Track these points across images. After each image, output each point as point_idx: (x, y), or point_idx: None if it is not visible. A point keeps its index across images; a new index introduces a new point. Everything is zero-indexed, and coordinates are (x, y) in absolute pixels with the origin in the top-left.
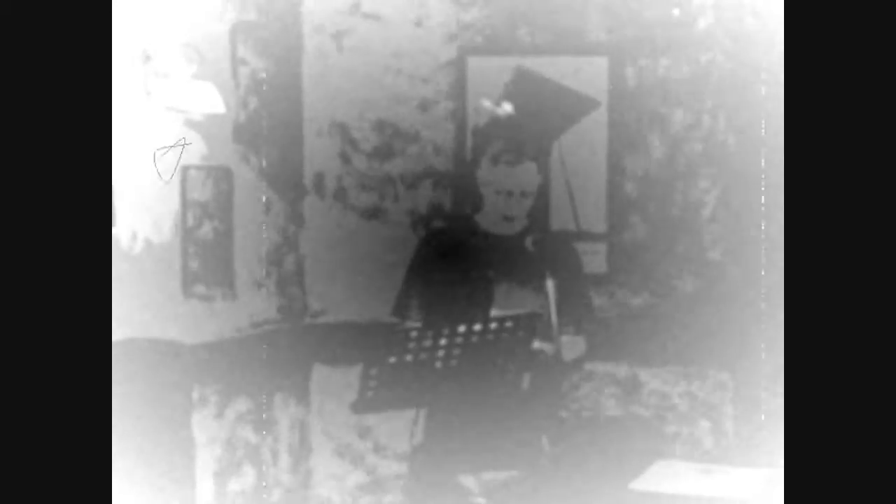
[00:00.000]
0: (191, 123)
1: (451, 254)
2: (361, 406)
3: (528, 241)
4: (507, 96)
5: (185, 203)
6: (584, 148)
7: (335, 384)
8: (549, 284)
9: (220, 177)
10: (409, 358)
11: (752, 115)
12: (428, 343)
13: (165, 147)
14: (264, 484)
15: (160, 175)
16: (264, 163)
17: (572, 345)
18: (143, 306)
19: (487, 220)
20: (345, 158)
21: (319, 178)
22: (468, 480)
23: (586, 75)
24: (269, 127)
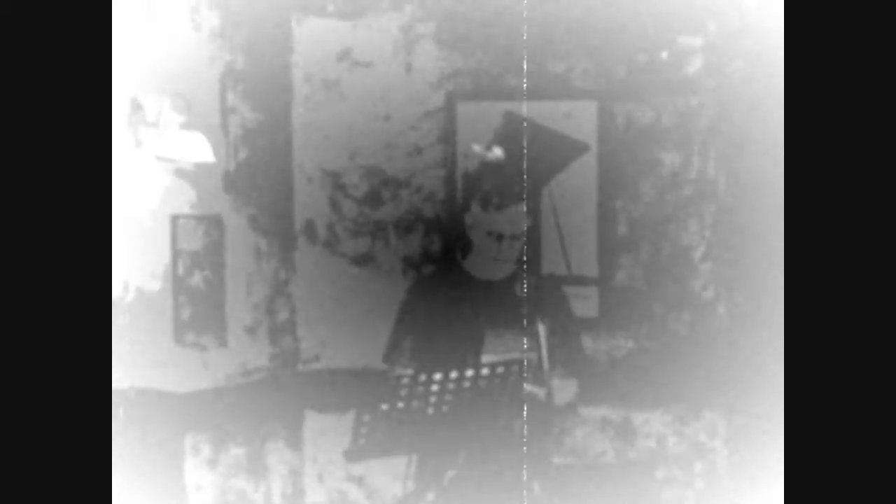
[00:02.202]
0: (181, 173)
1: (441, 299)
2: (354, 453)
3: (518, 286)
4: (497, 141)
5: (175, 252)
6: (574, 192)
7: (328, 431)
8: (541, 329)
9: (211, 225)
10: (401, 405)
11: (742, 157)
12: (420, 389)
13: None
14: None
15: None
16: (255, 211)
17: (564, 388)
18: (135, 355)
19: (476, 265)
20: (335, 205)
21: (310, 226)
22: None
23: (576, 119)
24: (260, 175)
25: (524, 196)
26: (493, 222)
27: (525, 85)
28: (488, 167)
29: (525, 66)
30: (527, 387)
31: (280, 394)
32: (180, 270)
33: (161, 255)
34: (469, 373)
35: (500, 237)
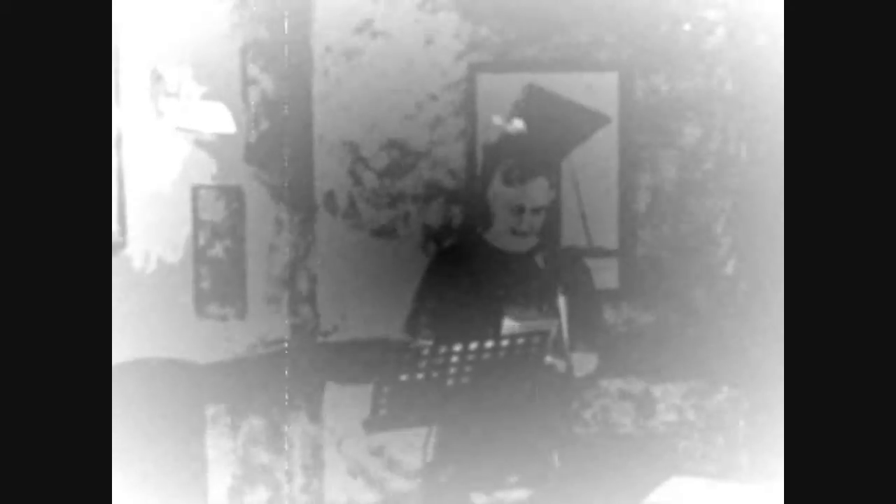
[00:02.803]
0: (202, 143)
1: (462, 271)
2: (374, 424)
3: (539, 258)
4: (518, 113)
5: (196, 223)
6: (595, 164)
7: (347, 402)
8: (561, 301)
9: (232, 196)
10: (420, 376)
11: (764, 130)
12: (439, 360)
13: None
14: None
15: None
16: (275, 182)
17: (584, 361)
18: (156, 326)
19: (498, 237)
20: (355, 177)
21: (330, 197)
22: (480, 498)
23: (597, 91)
24: (280, 146)
25: (546, 170)
26: (515, 196)
27: (546, 57)
28: (509, 139)
29: (546, 38)
30: (547, 358)
31: (300, 365)
32: (201, 241)
33: (182, 226)
34: (489, 344)
35: (521, 210)
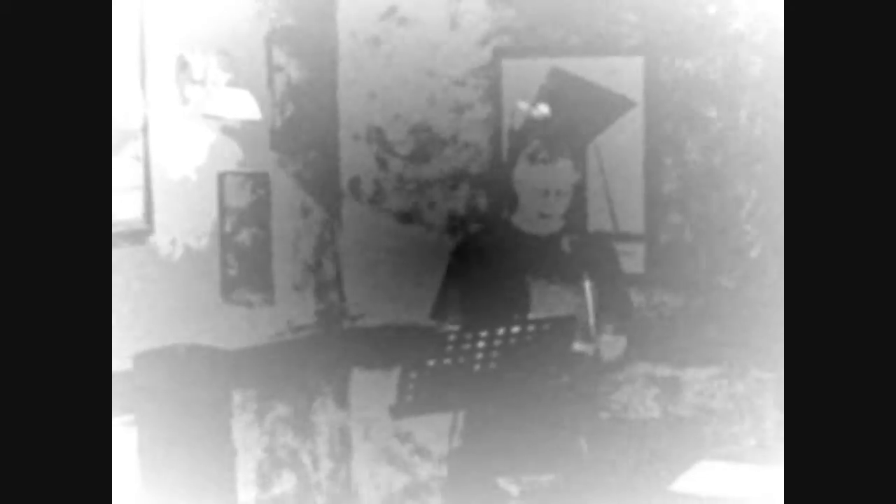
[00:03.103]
0: (228, 130)
1: (489, 256)
2: (401, 410)
3: (566, 242)
4: (543, 98)
5: (223, 210)
6: (620, 148)
7: (374, 388)
8: (587, 285)
9: (258, 183)
10: (447, 361)
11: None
12: (466, 346)
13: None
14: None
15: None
16: (301, 168)
17: (612, 345)
18: (182, 312)
19: (524, 221)
20: (381, 162)
21: (356, 183)
22: (507, 483)
23: (622, 75)
24: (306, 132)
25: (571, 152)
26: (540, 178)
27: (570, 41)
28: (534, 124)
29: (571, 22)
30: (575, 343)
31: (326, 351)
32: (227, 228)
33: (208, 213)
34: (516, 329)
35: (546, 192)
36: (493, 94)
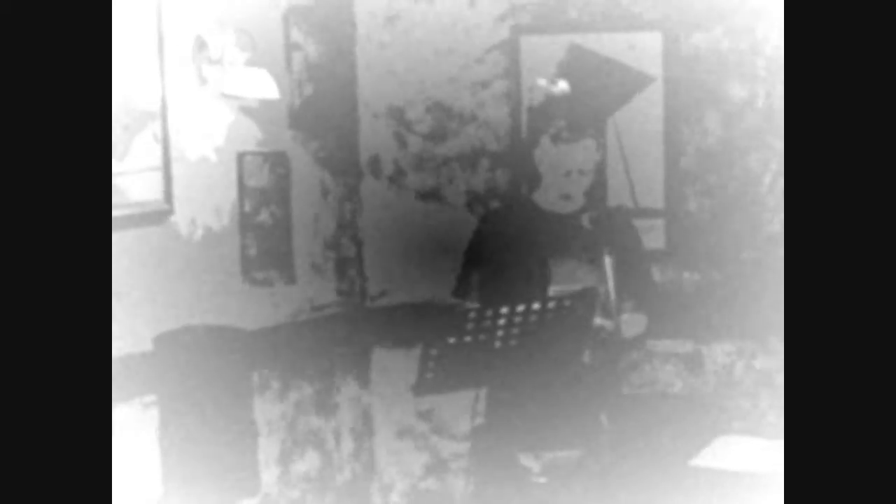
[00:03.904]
0: (246, 110)
1: (509, 234)
2: (422, 388)
3: (586, 219)
4: (562, 74)
5: (242, 189)
6: (639, 124)
7: (395, 366)
8: (608, 261)
9: (277, 162)
10: (468, 338)
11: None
12: (487, 323)
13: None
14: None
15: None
16: (320, 147)
17: (633, 321)
18: (202, 293)
19: (545, 199)
20: (400, 141)
21: (375, 161)
22: (529, 459)
23: (640, 51)
24: (325, 111)
25: (594, 132)
26: (563, 157)
27: (588, 17)
28: (553, 101)
29: None
30: (596, 319)
31: (347, 329)
32: (247, 208)
33: (228, 193)
34: (536, 306)
35: (569, 173)
36: (512, 71)
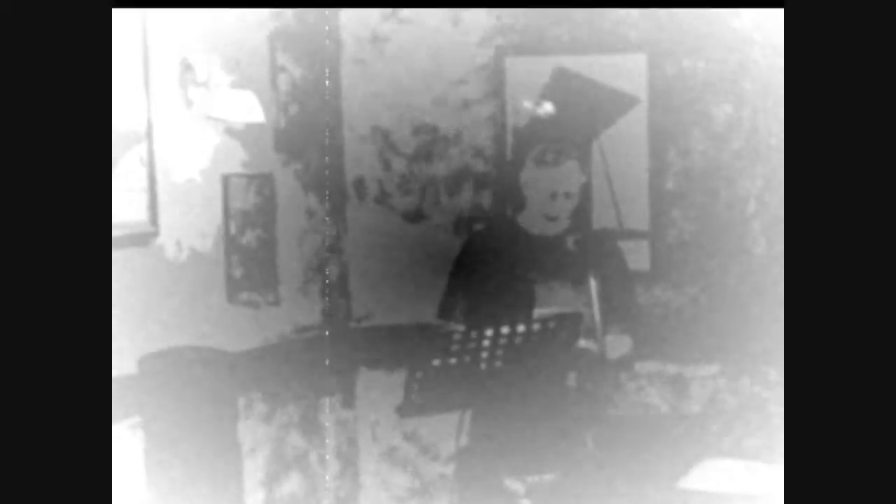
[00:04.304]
0: (232, 132)
1: (494, 255)
2: (407, 409)
3: (571, 241)
4: (547, 96)
5: (227, 212)
6: (625, 146)
7: (381, 388)
8: (592, 283)
9: (262, 184)
10: (453, 360)
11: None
12: (472, 345)
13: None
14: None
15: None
16: (305, 169)
17: (618, 343)
18: (187, 314)
19: (529, 221)
20: (385, 162)
21: (360, 183)
22: (514, 482)
23: (626, 73)
24: (310, 133)
25: (578, 154)
26: (547, 180)
27: (573, 39)
28: (539, 122)
29: (573, 20)
30: (580, 342)
31: (333, 351)
32: (232, 229)
33: (213, 215)
34: (521, 328)
35: (554, 195)
36: (497, 92)
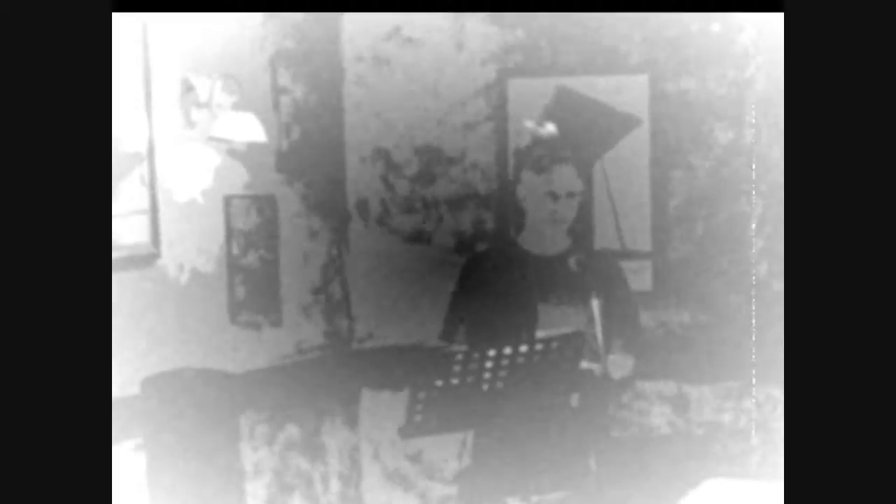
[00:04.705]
0: (234, 153)
1: (496, 276)
2: (410, 430)
3: (573, 261)
4: (549, 117)
5: (230, 232)
6: (627, 166)
7: (383, 409)
8: (595, 304)
9: (264, 205)
10: (455, 381)
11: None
12: (474, 365)
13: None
14: None
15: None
16: (307, 190)
17: (620, 363)
18: (190, 336)
19: (531, 241)
20: (387, 183)
21: (363, 204)
22: (517, 502)
23: (628, 93)
24: (312, 154)
25: (573, 159)
26: (545, 182)
27: (576, 60)
28: (540, 143)
29: (575, 41)
30: (583, 362)
31: (335, 372)
32: (235, 250)
33: (215, 236)
34: (524, 349)
35: (554, 196)
36: (499, 113)
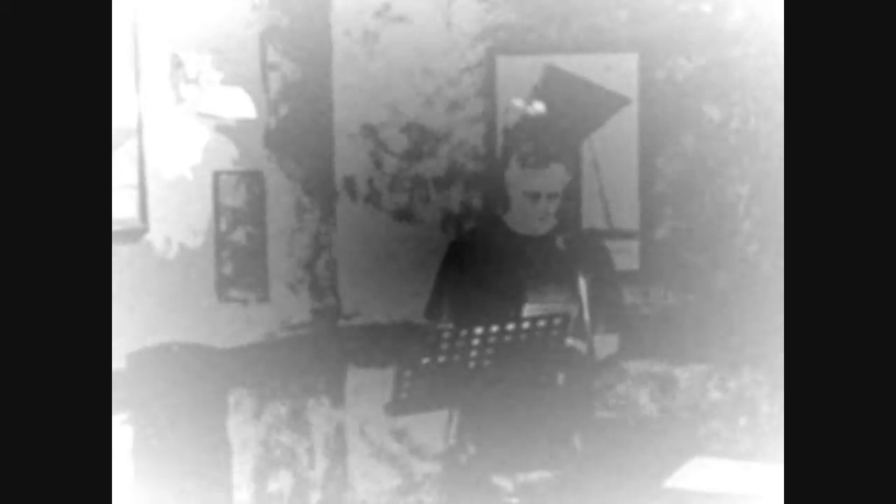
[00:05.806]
0: (222, 129)
1: (483, 255)
2: (396, 408)
3: (560, 240)
4: (537, 95)
5: (217, 208)
6: (615, 145)
7: (369, 386)
8: (581, 283)
9: (252, 181)
10: (441, 359)
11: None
12: (460, 344)
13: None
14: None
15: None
16: (296, 167)
17: (605, 343)
18: (177, 311)
19: (517, 221)
20: (375, 161)
21: (350, 181)
22: (502, 480)
23: (616, 73)
24: (300, 131)
25: (564, 156)
26: (531, 181)
27: (565, 38)
28: (528, 122)
29: (565, 20)
30: (568, 341)
31: (322, 349)
32: (223, 226)
33: (203, 211)
34: (510, 327)
35: (537, 196)
36: (488, 91)
